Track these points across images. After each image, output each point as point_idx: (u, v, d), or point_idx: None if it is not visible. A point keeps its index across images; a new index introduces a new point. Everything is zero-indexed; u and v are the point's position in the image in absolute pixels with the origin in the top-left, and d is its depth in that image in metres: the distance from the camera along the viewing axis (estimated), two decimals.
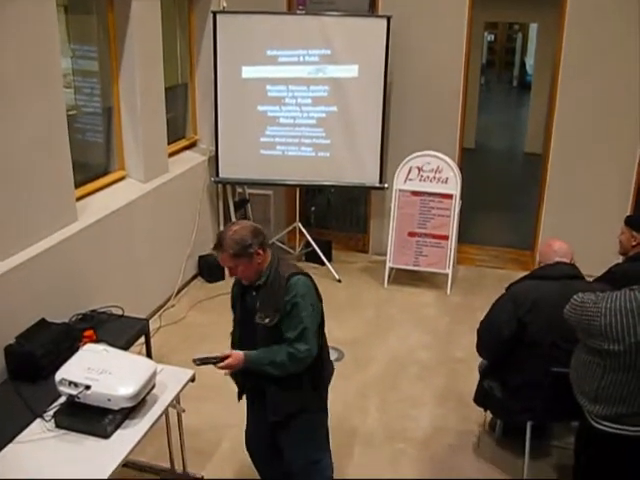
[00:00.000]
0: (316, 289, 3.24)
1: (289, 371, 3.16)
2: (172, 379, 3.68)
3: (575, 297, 3.14)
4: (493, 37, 22.56)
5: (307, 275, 3.21)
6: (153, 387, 3.48)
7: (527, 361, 3.78)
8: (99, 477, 2.96)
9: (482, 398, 4.26)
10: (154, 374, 3.44)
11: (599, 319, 2.92)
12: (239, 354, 3.17)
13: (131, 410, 3.32)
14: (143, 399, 3.38)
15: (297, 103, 6.55)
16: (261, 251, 3.10)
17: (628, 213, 6.42)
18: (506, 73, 22.27)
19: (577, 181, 6.65)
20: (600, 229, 6.37)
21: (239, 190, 7.36)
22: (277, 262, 3.19)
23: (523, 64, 21.06)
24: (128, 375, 3.29)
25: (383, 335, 5.62)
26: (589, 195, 6.65)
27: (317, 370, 3.29)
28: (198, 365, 3.18)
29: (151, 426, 3.33)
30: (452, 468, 4.28)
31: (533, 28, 18.24)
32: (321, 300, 3.29)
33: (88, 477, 2.97)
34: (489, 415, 4.47)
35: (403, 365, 5.36)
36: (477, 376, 4.42)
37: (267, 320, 3.13)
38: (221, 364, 3.15)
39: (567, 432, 4.37)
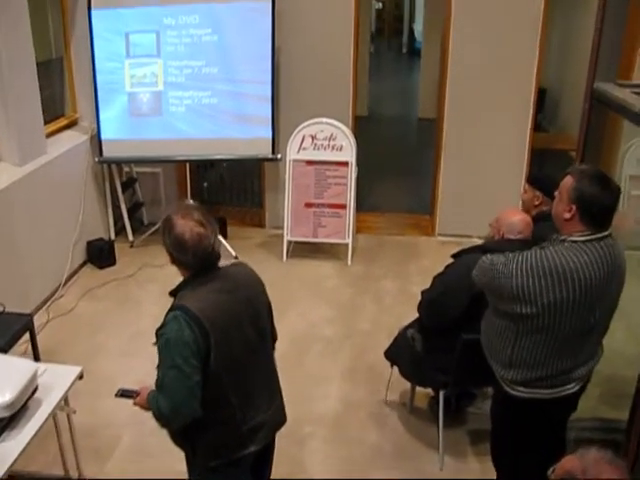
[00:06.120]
0: (206, 337, 2.45)
1: (167, 427, 2.62)
2: (58, 379, 3.37)
3: (484, 259, 2.99)
4: (381, 5, 22.55)
5: (199, 323, 2.45)
6: (35, 390, 3.18)
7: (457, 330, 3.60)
8: None
9: (397, 350, 4.14)
10: (34, 376, 3.13)
11: (510, 281, 2.79)
12: (144, 394, 2.66)
13: (10, 419, 3.00)
14: (24, 405, 3.07)
15: (183, 74, 6.21)
16: (173, 259, 2.60)
17: (524, 174, 6.45)
18: (395, 40, 22.31)
19: (472, 144, 6.60)
20: (498, 190, 6.38)
21: (126, 169, 7.00)
22: (190, 283, 2.60)
23: (412, 31, 21.13)
24: (3, 381, 2.97)
25: (284, 312, 5.40)
26: (485, 157, 6.62)
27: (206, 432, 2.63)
28: (117, 397, 2.81)
29: (35, 434, 3.03)
30: (366, 445, 4.16)
31: None
32: (227, 342, 2.54)
33: None
34: (395, 373, 4.26)
35: (307, 342, 5.20)
36: (384, 346, 4.30)
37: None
38: (134, 400, 2.75)
39: (481, 397, 4.34)
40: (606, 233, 2.76)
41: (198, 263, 2.56)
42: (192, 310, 2.46)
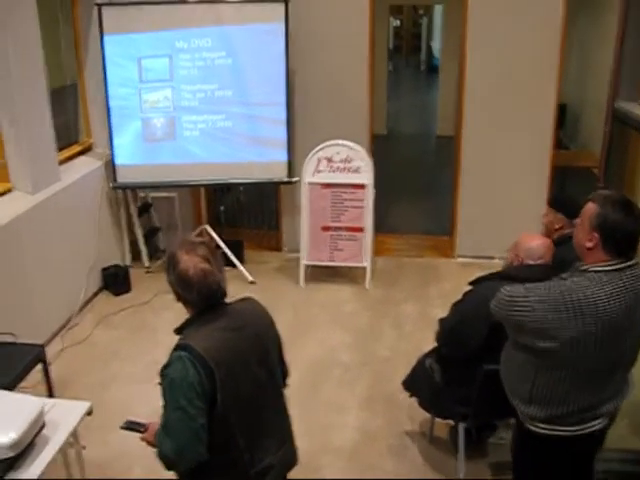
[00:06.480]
0: (211, 378, 2.36)
1: (172, 469, 2.49)
2: (66, 414, 3.28)
3: (503, 290, 2.85)
4: (399, 22, 22.59)
5: (203, 363, 2.36)
6: (43, 427, 3.09)
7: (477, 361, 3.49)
8: None
9: (416, 380, 4.03)
10: (41, 413, 3.04)
11: (530, 314, 2.65)
12: (152, 430, 2.57)
13: (16, 458, 2.91)
14: (31, 443, 2.98)
15: (196, 98, 6.17)
16: (178, 297, 2.53)
17: (545, 192, 6.31)
18: (414, 58, 22.31)
19: (492, 162, 6.50)
20: (519, 210, 6.26)
21: (141, 194, 6.94)
22: (195, 320, 2.51)
23: (430, 49, 21.12)
24: (7, 419, 2.88)
25: (302, 338, 5.33)
26: (505, 176, 6.50)
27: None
28: (123, 429, 2.72)
29: (41, 473, 2.94)
30: (384, 476, 4.03)
31: (438, 13, 18.25)
32: (233, 388, 2.43)
33: None
34: (414, 402, 4.14)
35: (324, 369, 5.08)
36: (403, 374, 4.18)
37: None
38: (142, 435, 2.67)
39: (504, 428, 4.17)
40: (630, 263, 2.61)
41: (203, 300, 2.46)
42: (196, 349, 2.37)
